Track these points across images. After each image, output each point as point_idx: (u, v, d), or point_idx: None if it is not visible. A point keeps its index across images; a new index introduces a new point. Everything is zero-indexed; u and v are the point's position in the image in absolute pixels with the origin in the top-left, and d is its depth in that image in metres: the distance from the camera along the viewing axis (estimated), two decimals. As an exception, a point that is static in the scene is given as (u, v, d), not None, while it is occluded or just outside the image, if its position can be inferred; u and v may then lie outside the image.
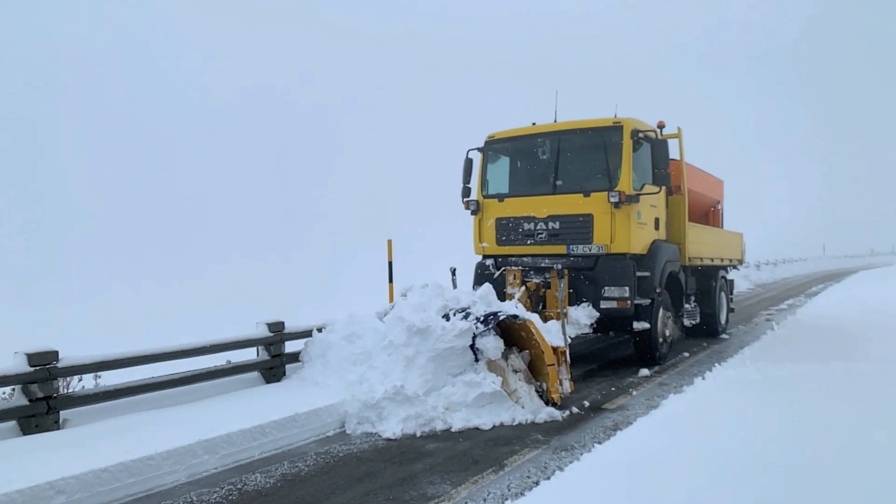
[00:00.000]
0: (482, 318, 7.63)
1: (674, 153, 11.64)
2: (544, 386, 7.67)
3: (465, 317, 7.75)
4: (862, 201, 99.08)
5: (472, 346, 7.59)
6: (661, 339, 10.39)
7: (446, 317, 7.86)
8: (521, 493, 5.03)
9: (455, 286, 10.12)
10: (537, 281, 9.79)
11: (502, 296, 9.95)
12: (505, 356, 7.73)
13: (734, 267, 15.09)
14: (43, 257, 37.50)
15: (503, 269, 10.23)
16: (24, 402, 6.04)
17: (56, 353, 6.28)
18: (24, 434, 6.00)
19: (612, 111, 10.27)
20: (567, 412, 7.43)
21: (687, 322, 11.92)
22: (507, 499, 5.00)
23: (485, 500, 5.06)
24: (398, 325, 7.62)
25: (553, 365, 7.61)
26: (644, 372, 9.87)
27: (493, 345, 7.53)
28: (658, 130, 10.28)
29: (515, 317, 7.70)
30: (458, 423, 7.02)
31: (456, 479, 5.51)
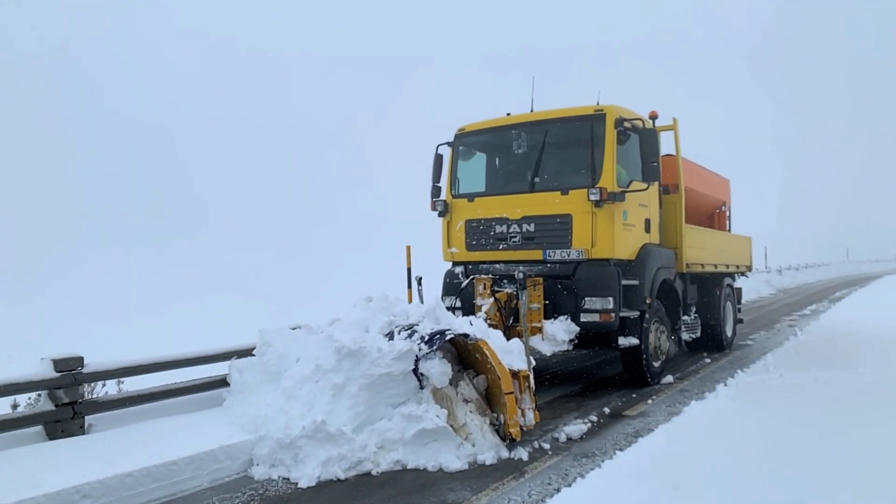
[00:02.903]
0: (427, 338, 6.44)
1: (669, 147, 10.44)
2: (502, 418, 6.46)
3: (410, 335, 6.57)
4: (887, 204, 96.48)
5: (415, 371, 6.41)
6: (653, 357, 9.13)
7: (390, 335, 6.70)
8: (542, 500, 4.97)
9: (422, 298, 8.97)
10: (509, 291, 8.58)
11: (472, 308, 8.80)
12: (454, 383, 6.53)
13: (742, 274, 13.74)
14: (41, 255, 36.87)
15: (472, 277, 9.03)
16: (50, 407, 6.13)
17: (81, 358, 6.33)
18: (51, 439, 6.07)
19: (595, 99, 9.07)
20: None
21: (686, 336, 10.61)
22: (528, 505, 4.92)
23: (505, 506, 4.95)
24: (327, 346, 6.45)
25: (511, 393, 6.40)
26: (667, 378, 9.48)
27: (438, 370, 6.33)
28: (647, 119, 9.05)
29: (466, 335, 6.50)
30: (389, 465, 5.85)
31: (476, 485, 5.43)
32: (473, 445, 6.14)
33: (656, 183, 9.47)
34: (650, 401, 8.31)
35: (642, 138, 8.56)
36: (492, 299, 8.43)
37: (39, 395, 6.50)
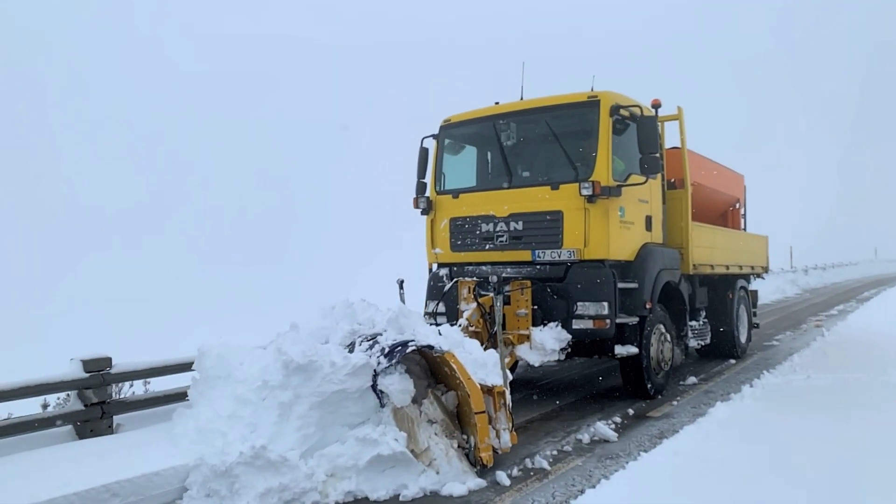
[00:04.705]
0: (386, 351, 5.72)
1: (674, 139, 9.63)
2: (472, 440, 5.72)
3: (372, 347, 5.86)
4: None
5: (375, 388, 5.68)
6: (654, 367, 8.34)
7: (352, 346, 6.00)
8: (566, 502, 4.95)
9: (403, 302, 8.25)
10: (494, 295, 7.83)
11: (456, 313, 8.08)
12: (418, 401, 5.80)
13: (758, 276, 12.83)
14: (46, 257, 36.63)
15: (455, 280, 8.30)
16: (79, 406, 6.22)
17: (109, 359, 6.42)
18: (80, 438, 6.15)
19: (590, 85, 8.29)
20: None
21: (693, 343, 9.76)
22: (552, 507, 4.87)
23: (529, 508, 4.90)
24: (276, 359, 5.75)
25: (483, 412, 5.65)
26: (691, 380, 9.46)
27: (398, 386, 5.60)
28: (645, 106, 8.26)
29: (431, 347, 5.77)
30: (340, 496, 5.16)
31: (499, 486, 5.37)
32: (437, 473, 5.42)
33: (659, 177, 8.70)
34: (675, 402, 8.20)
35: (640, 127, 7.77)
36: (475, 304, 7.71)
37: (68, 394, 6.60)
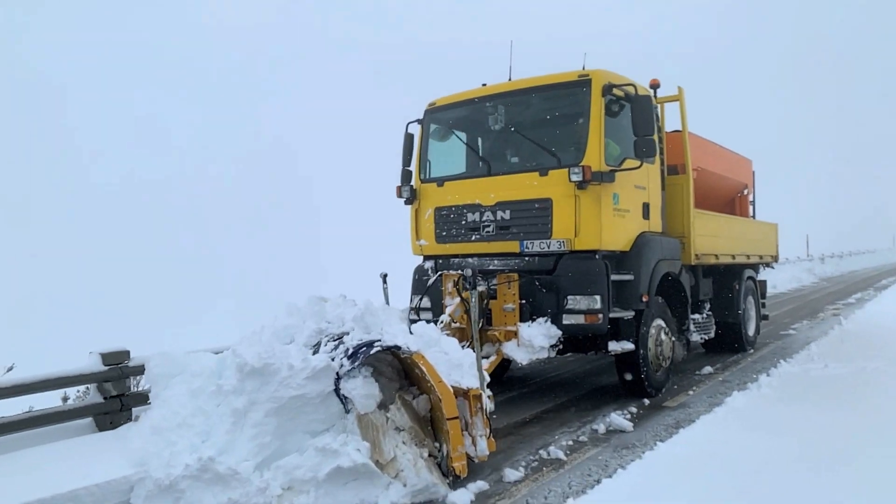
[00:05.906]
0: (350, 352, 5.25)
1: (675, 122, 9.09)
2: (445, 449, 5.25)
3: (336, 347, 5.39)
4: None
5: (338, 392, 5.22)
6: (653, 363, 7.82)
7: (318, 347, 5.54)
8: (583, 491, 4.92)
9: (387, 299, 7.80)
10: (480, 289, 7.33)
11: (441, 308, 7.60)
12: (385, 406, 5.33)
13: (767, 265, 12.24)
14: (56, 253, 36.52)
15: (439, 273, 7.82)
16: (99, 399, 6.31)
17: (128, 352, 6.49)
18: (100, 430, 6.23)
19: (581, 63, 7.75)
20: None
21: (696, 337, 9.19)
22: (568, 497, 4.84)
23: (546, 497, 4.91)
24: (231, 362, 5.30)
25: (455, 418, 5.18)
26: (707, 369, 9.39)
27: (361, 391, 5.13)
28: (640, 85, 7.73)
29: (398, 347, 5.29)
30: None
31: (513, 479, 5.32)
32: (405, 485, 4.95)
33: (658, 161, 8.17)
34: (691, 391, 8.21)
35: (635, 107, 7.22)
36: (458, 299, 7.22)
37: (88, 388, 6.69)
